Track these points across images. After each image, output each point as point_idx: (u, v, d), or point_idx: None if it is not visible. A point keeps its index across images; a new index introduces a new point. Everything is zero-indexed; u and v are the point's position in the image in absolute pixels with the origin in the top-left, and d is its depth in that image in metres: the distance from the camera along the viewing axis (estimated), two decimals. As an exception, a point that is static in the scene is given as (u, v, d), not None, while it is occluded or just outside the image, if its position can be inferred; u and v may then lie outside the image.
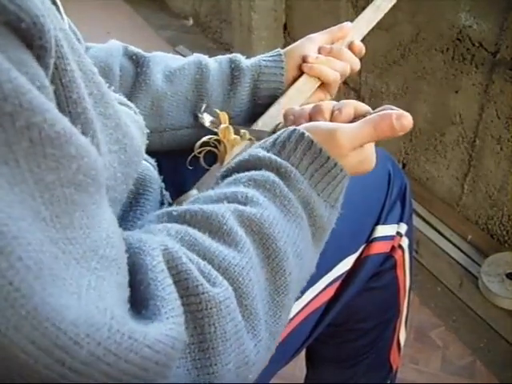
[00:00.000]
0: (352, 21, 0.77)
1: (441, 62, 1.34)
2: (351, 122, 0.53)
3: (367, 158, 0.53)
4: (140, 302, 0.35)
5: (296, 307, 0.65)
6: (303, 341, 0.70)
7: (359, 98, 1.67)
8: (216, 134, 0.66)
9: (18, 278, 0.27)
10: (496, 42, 1.18)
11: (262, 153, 0.49)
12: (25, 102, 0.28)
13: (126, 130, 0.47)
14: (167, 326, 0.34)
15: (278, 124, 0.65)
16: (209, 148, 0.66)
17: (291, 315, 0.64)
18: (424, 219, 1.43)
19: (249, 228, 0.44)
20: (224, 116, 0.66)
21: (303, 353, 0.93)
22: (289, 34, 1.96)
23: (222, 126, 0.65)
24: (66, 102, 0.35)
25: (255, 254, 0.43)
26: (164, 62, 0.72)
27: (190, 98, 0.71)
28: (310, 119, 0.56)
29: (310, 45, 0.73)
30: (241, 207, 0.44)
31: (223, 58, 0.74)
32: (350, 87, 1.69)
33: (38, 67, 0.31)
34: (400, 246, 0.79)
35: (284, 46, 0.76)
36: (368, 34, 0.79)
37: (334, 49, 0.73)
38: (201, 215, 0.43)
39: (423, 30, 1.36)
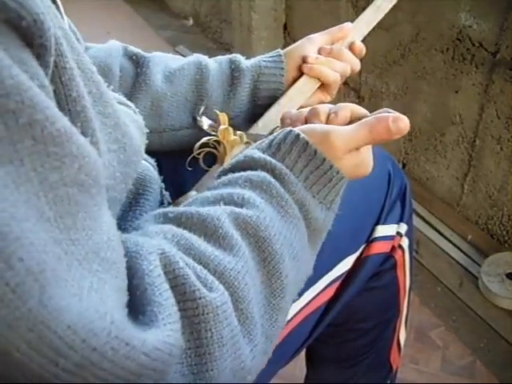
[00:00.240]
0: (352, 21, 0.77)
1: (441, 62, 1.34)
2: (348, 125, 0.52)
3: (364, 161, 0.52)
4: (137, 307, 0.35)
5: (296, 307, 0.65)
6: (303, 341, 0.70)
7: (359, 98, 1.67)
8: (215, 135, 0.66)
9: (16, 280, 0.27)
10: (496, 42, 1.18)
11: (258, 154, 0.49)
12: (26, 99, 0.28)
13: (125, 130, 0.47)
14: (165, 333, 0.34)
15: (275, 128, 0.64)
16: (208, 149, 0.66)
17: (291, 315, 0.64)
18: (424, 219, 1.43)
19: (244, 231, 0.44)
20: (223, 117, 0.66)
21: (303, 353, 0.93)
22: (289, 34, 1.96)
23: (222, 127, 0.65)
24: (65, 100, 0.35)
25: (251, 258, 0.43)
26: (164, 62, 0.72)
27: (189, 99, 0.71)
28: (306, 122, 0.55)
29: (310, 45, 0.73)
30: (237, 209, 0.44)
31: (223, 58, 0.74)
32: (350, 87, 1.69)
33: (37, 66, 0.31)
34: (400, 246, 0.79)
35: (284, 46, 0.76)
36: (368, 34, 0.79)
37: (334, 49, 0.73)
38: (197, 218, 0.43)
39: (423, 30, 1.36)
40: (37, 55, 0.31)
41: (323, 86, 0.74)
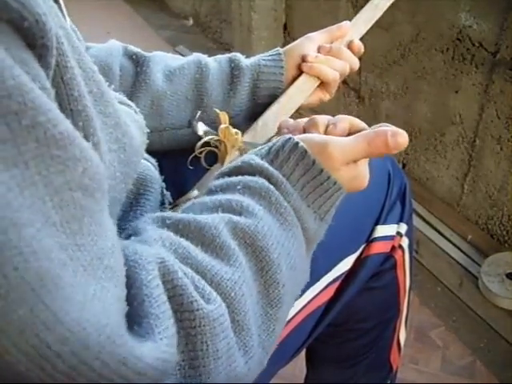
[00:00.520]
0: (351, 21, 0.77)
1: (441, 62, 1.34)
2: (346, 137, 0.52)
3: (360, 174, 0.52)
4: (133, 317, 0.35)
5: (296, 307, 0.65)
6: (303, 341, 0.70)
7: (359, 97, 1.67)
8: (209, 141, 0.65)
9: (6, 288, 0.27)
10: (496, 42, 1.18)
11: (255, 160, 0.48)
12: (28, 100, 0.28)
13: (126, 129, 0.47)
14: (160, 349, 0.33)
15: (272, 136, 0.64)
16: (209, 148, 0.66)
17: (291, 315, 0.64)
18: (424, 219, 1.43)
19: (242, 240, 0.43)
20: (224, 116, 0.66)
21: (303, 353, 0.93)
22: (289, 34, 1.96)
23: (222, 125, 0.65)
24: (67, 99, 0.35)
25: (248, 267, 0.43)
26: (164, 61, 0.72)
27: (189, 98, 0.71)
28: (304, 132, 0.55)
29: (310, 44, 0.73)
30: (235, 218, 0.44)
31: (223, 57, 0.74)
32: (350, 87, 1.69)
33: (38, 68, 0.31)
34: (400, 246, 0.79)
35: (284, 46, 0.76)
36: (368, 33, 0.79)
37: (334, 48, 0.73)
38: (194, 226, 0.42)
39: (423, 29, 1.36)
40: (38, 56, 0.31)
41: (323, 84, 0.74)
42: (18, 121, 0.28)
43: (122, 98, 0.56)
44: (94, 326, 0.30)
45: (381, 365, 0.91)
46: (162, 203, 0.62)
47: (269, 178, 0.47)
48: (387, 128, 0.49)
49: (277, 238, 0.45)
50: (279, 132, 0.59)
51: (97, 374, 0.30)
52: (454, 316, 1.28)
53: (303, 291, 0.62)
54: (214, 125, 0.69)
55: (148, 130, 0.57)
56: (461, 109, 1.32)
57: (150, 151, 0.60)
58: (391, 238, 0.76)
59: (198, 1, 2.50)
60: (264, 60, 0.73)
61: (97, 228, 0.33)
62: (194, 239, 0.42)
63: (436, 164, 1.46)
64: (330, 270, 0.69)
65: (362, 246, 0.73)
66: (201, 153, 0.66)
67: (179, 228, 0.43)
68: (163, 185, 0.63)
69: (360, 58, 0.76)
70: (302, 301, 0.66)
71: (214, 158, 0.67)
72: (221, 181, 0.49)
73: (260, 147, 0.51)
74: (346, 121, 0.54)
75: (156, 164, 0.63)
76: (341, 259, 0.70)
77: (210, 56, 0.75)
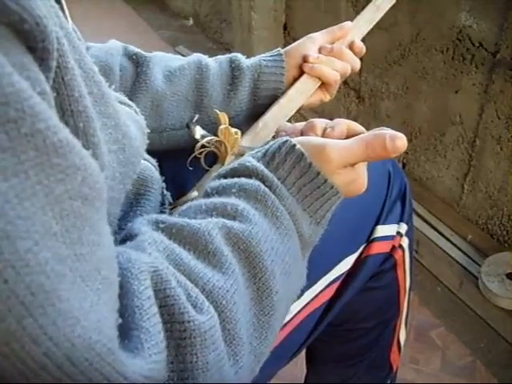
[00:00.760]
0: (352, 21, 0.77)
1: (441, 62, 1.34)
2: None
3: (358, 180, 0.51)
4: (123, 329, 0.34)
5: (296, 307, 0.65)
6: (303, 340, 0.70)
7: (359, 98, 1.67)
8: (216, 134, 0.66)
9: None
10: (496, 42, 1.18)
11: (251, 162, 0.48)
12: (27, 107, 0.28)
13: (126, 130, 0.47)
14: (149, 366, 0.33)
15: (269, 140, 0.64)
16: (209, 149, 0.66)
17: (291, 315, 0.64)
18: (424, 219, 1.43)
19: (236, 246, 0.43)
20: (224, 116, 0.66)
21: (303, 353, 0.93)
22: (289, 34, 1.96)
23: (222, 126, 0.65)
24: (68, 100, 0.35)
25: (241, 274, 0.42)
26: (164, 61, 0.72)
27: (190, 98, 0.71)
28: (302, 136, 0.54)
29: (311, 44, 0.73)
30: (229, 223, 0.43)
31: (223, 57, 0.74)
32: (350, 87, 1.69)
33: (38, 72, 0.30)
34: (400, 246, 0.79)
35: (284, 47, 0.76)
36: (368, 33, 0.79)
37: (335, 48, 0.73)
38: (187, 231, 0.42)
39: (423, 29, 1.36)
40: (39, 60, 0.31)
41: (323, 85, 0.73)
42: (17, 129, 0.27)
43: (122, 98, 0.56)
44: (84, 342, 0.29)
45: (381, 365, 0.91)
46: (162, 203, 0.62)
47: (264, 180, 0.46)
48: (386, 131, 0.49)
49: (271, 243, 0.44)
50: (277, 136, 0.58)
51: None
52: (453, 316, 1.28)
53: (303, 291, 0.62)
54: (213, 125, 0.69)
55: (148, 131, 0.57)
56: (461, 109, 1.32)
57: (150, 151, 0.60)
58: (391, 237, 0.76)
59: (198, 1, 2.50)
60: (265, 60, 0.73)
61: (96, 237, 0.32)
62: (186, 244, 0.42)
63: (436, 164, 1.46)
64: (330, 269, 0.69)
65: (362, 246, 0.73)
66: (201, 153, 0.66)
67: (172, 232, 0.42)
68: (163, 185, 0.63)
69: (360, 58, 0.76)
70: (302, 301, 0.66)
71: (213, 159, 0.67)
72: (217, 183, 0.48)
73: (257, 149, 0.50)
74: (343, 124, 0.53)
75: (156, 164, 0.63)
76: (341, 259, 0.70)
77: (210, 56, 0.75)
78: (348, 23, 0.76)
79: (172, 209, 0.62)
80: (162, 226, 0.43)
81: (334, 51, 0.73)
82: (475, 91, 1.27)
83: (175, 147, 0.72)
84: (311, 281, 0.65)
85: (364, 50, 0.76)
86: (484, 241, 1.36)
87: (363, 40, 0.77)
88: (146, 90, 0.69)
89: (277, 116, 0.70)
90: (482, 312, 1.25)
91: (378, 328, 0.85)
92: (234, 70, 0.72)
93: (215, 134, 0.65)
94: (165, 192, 0.63)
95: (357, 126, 0.54)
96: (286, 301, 0.47)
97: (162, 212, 0.60)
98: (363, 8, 0.79)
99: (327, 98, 0.76)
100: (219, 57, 0.74)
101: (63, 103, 0.34)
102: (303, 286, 0.51)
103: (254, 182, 0.46)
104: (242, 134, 0.67)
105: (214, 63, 0.73)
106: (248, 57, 0.75)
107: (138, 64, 0.70)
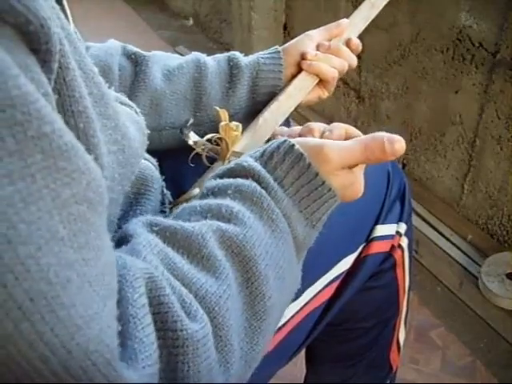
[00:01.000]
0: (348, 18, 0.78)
1: (441, 62, 1.34)
2: None
3: (355, 184, 0.50)
4: (119, 338, 0.34)
5: (295, 307, 0.65)
6: (303, 340, 0.70)
7: (359, 98, 1.67)
8: (217, 131, 0.65)
9: None
10: (496, 42, 1.18)
11: (248, 162, 0.47)
12: (33, 110, 0.28)
13: (125, 131, 0.47)
14: (142, 379, 0.33)
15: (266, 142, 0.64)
16: (210, 146, 0.65)
17: (290, 315, 0.64)
18: (424, 219, 1.43)
19: (229, 249, 0.42)
20: (224, 113, 0.66)
21: (303, 353, 0.93)
22: (289, 34, 1.96)
23: (223, 123, 0.65)
24: (69, 100, 0.35)
25: (234, 278, 0.42)
26: (163, 60, 0.72)
27: (188, 97, 0.71)
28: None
29: (309, 42, 0.74)
30: (223, 226, 0.43)
31: (221, 56, 0.74)
32: (350, 87, 1.69)
33: (41, 73, 0.30)
34: (399, 246, 0.79)
35: (284, 47, 0.76)
36: (368, 34, 0.79)
37: (333, 46, 0.73)
38: (181, 234, 0.42)
39: (423, 29, 1.36)
40: (42, 61, 0.31)
41: (321, 82, 0.74)
42: (24, 132, 0.27)
43: (122, 98, 0.56)
44: (82, 351, 0.29)
45: (380, 364, 0.91)
46: (162, 203, 0.62)
47: (260, 181, 0.46)
48: (385, 134, 0.48)
49: (266, 247, 0.44)
50: (274, 139, 0.58)
51: None
52: (454, 316, 1.28)
53: (302, 291, 0.62)
54: (212, 124, 0.69)
55: (148, 131, 0.57)
56: (461, 109, 1.32)
57: (150, 151, 0.60)
58: (391, 237, 0.76)
59: (198, 1, 2.50)
60: (263, 58, 0.73)
61: (100, 242, 0.32)
62: (180, 248, 0.41)
63: (436, 164, 1.46)
64: (330, 269, 0.69)
65: (362, 246, 0.73)
66: (202, 150, 0.65)
67: (166, 236, 0.42)
68: (163, 184, 0.63)
69: (360, 58, 0.77)
70: (302, 300, 0.66)
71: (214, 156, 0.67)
72: (213, 183, 0.48)
73: (255, 150, 0.50)
74: (341, 128, 0.53)
75: (156, 164, 0.63)
76: (340, 258, 0.70)
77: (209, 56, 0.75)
78: (345, 20, 0.77)
79: (173, 207, 0.62)
80: (155, 228, 0.43)
81: (331, 48, 0.73)
82: (475, 91, 1.27)
83: (175, 146, 0.72)
84: (310, 280, 0.65)
85: (360, 46, 0.76)
86: (484, 241, 1.36)
87: (362, 39, 0.78)
88: (145, 89, 0.69)
89: (276, 113, 0.70)
90: (482, 312, 1.25)
91: (377, 327, 0.85)
92: (233, 68, 0.72)
93: (215, 132, 0.65)
94: (165, 191, 0.63)
95: (354, 130, 0.53)
96: (280, 305, 0.47)
97: (162, 211, 0.60)
98: (361, 7, 0.79)
99: (325, 94, 0.76)
100: (217, 55, 0.75)
101: (64, 103, 0.34)
102: (297, 288, 0.50)
103: (250, 184, 0.45)
104: (243, 127, 0.67)
105: (213, 62, 0.73)
106: (247, 56, 0.75)
107: (136, 63, 0.71)
